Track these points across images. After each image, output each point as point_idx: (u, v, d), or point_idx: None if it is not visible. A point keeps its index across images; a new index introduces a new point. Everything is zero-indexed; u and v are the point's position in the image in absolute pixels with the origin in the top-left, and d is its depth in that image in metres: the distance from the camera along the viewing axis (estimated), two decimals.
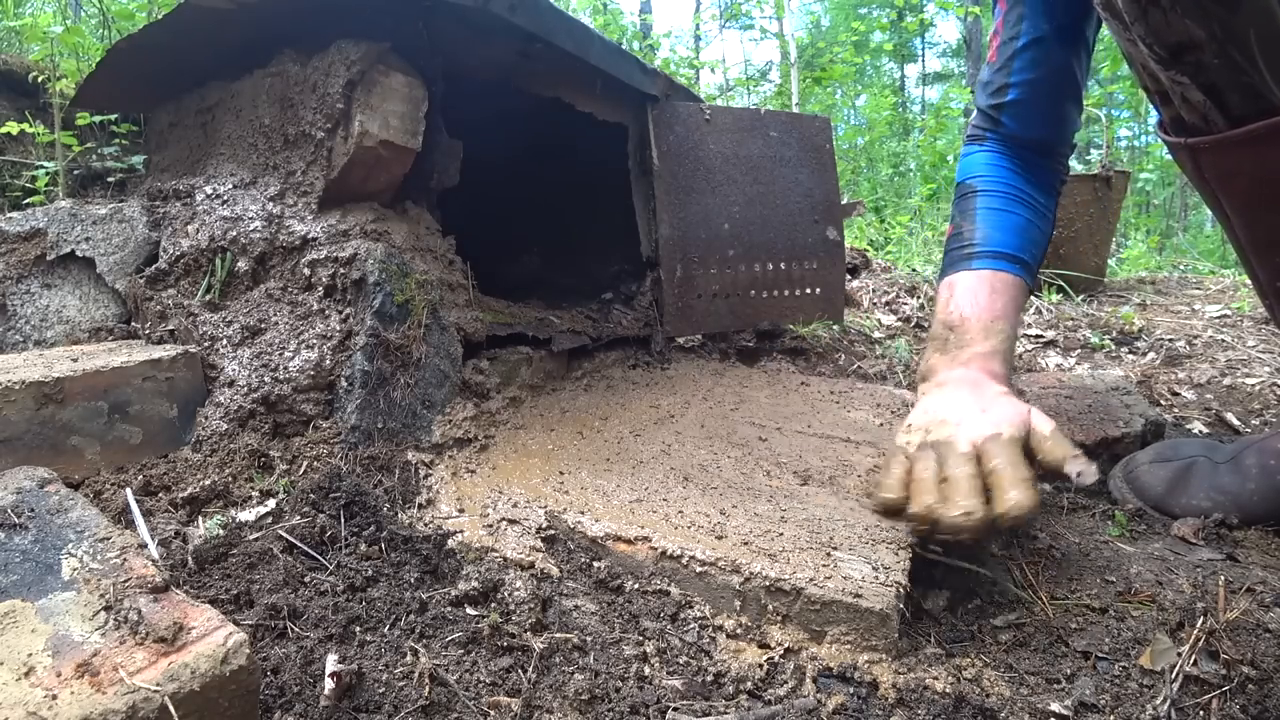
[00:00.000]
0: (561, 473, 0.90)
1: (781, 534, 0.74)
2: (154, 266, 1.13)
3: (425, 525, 0.80)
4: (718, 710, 0.57)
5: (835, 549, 0.71)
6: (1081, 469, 0.74)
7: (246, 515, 0.82)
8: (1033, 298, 2.32)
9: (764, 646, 0.65)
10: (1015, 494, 0.70)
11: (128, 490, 0.83)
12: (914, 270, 2.82)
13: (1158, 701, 0.59)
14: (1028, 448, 0.78)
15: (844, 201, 2.23)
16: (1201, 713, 0.58)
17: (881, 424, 1.12)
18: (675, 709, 0.56)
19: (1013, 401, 0.84)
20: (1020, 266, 0.98)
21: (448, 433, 0.99)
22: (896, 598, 0.64)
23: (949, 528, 0.71)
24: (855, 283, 2.45)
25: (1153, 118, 0.81)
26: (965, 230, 1.02)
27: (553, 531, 0.75)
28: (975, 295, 0.95)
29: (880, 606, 0.63)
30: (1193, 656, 0.63)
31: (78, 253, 1.17)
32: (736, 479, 0.89)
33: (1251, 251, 0.81)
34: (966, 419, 0.82)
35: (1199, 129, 0.72)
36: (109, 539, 0.58)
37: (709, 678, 0.61)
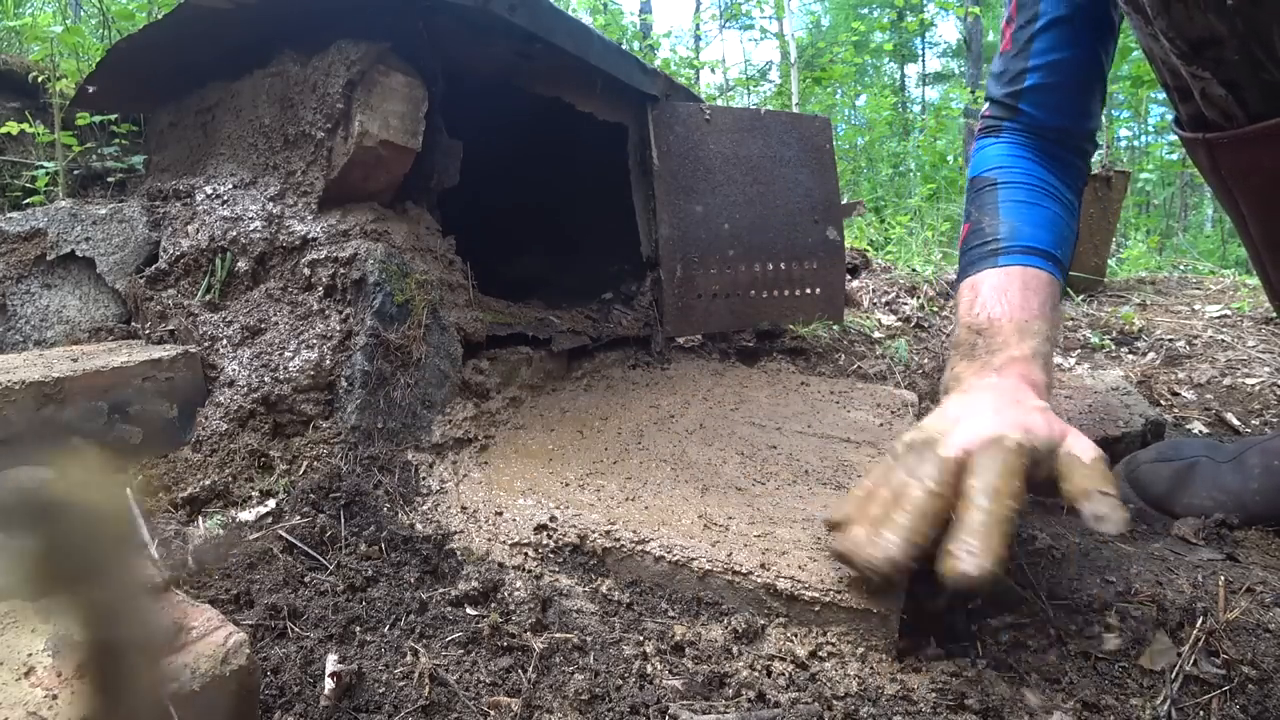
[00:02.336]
0: (562, 473, 0.90)
1: (782, 534, 0.74)
2: (154, 266, 1.13)
3: (425, 525, 0.80)
4: (718, 710, 0.57)
5: None
6: (1102, 512, 0.59)
7: (246, 515, 0.81)
8: None
9: (765, 647, 0.65)
10: (967, 549, 0.54)
11: (128, 490, 0.83)
12: (914, 270, 2.82)
13: (1158, 701, 0.59)
14: (1050, 470, 0.65)
15: (844, 201, 2.22)
16: (1201, 713, 0.58)
17: (881, 424, 1.12)
18: (676, 709, 0.56)
19: (1050, 416, 0.70)
20: (1053, 264, 0.87)
21: (448, 433, 0.99)
22: (896, 598, 0.64)
23: (860, 565, 0.60)
24: (855, 283, 2.44)
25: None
26: (987, 226, 0.91)
27: (553, 531, 0.75)
28: (1005, 294, 0.84)
29: (880, 607, 0.63)
30: (1193, 656, 0.63)
31: (78, 253, 1.17)
32: (737, 479, 0.89)
33: (1265, 250, 0.79)
34: (972, 417, 0.69)
35: (1219, 125, 0.71)
36: None
37: (710, 678, 0.61)
